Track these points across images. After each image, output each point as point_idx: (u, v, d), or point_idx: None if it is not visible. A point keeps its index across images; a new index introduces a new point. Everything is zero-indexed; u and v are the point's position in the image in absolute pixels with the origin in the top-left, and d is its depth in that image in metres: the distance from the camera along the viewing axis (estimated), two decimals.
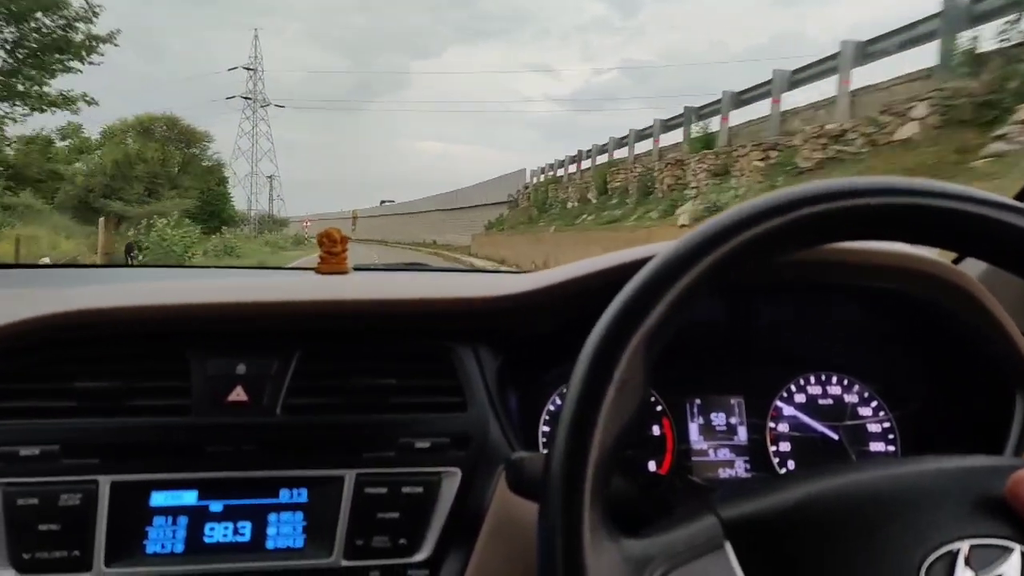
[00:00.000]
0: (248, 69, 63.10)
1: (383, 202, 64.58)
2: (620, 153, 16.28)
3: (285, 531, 0.65)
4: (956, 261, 0.81)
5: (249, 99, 63.74)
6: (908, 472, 0.44)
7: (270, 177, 62.92)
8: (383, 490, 0.65)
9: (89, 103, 18.05)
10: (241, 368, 0.67)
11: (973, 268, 0.83)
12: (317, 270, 0.99)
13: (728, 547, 0.41)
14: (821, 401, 0.85)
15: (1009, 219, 0.43)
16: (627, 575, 0.40)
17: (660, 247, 0.47)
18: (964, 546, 0.39)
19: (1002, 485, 0.41)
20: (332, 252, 0.99)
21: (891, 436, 0.83)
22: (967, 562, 0.39)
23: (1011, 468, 0.41)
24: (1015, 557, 0.39)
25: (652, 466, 0.81)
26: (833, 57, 9.23)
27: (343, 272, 0.99)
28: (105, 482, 0.62)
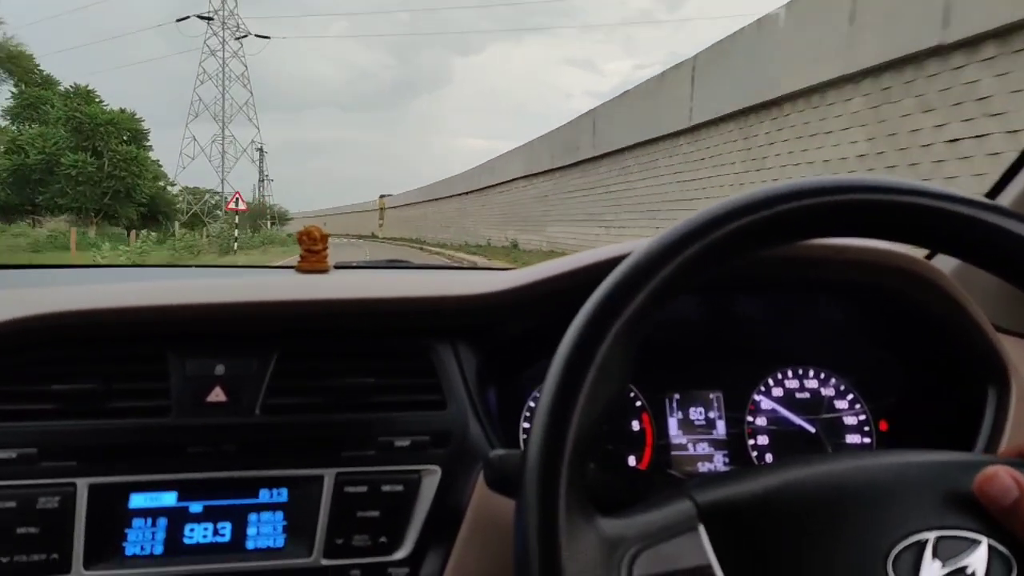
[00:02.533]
0: None
1: (382, 196, 49.13)
2: None
3: (265, 531, 0.65)
4: (929, 257, 0.82)
5: (210, 19, 35.98)
6: (879, 464, 0.45)
7: (259, 149, 36.54)
8: (363, 489, 0.65)
9: None
10: (220, 368, 0.67)
11: (946, 263, 0.84)
12: (297, 268, 0.99)
13: (701, 529, 0.42)
14: (798, 395, 0.86)
15: (980, 216, 0.44)
16: (602, 555, 0.41)
17: (636, 245, 0.48)
18: (931, 537, 0.40)
19: (970, 481, 0.41)
20: (312, 250, 0.99)
21: (867, 429, 0.84)
22: (935, 552, 0.40)
23: (980, 464, 0.42)
24: (982, 549, 0.40)
25: (632, 461, 0.82)
26: None
27: (323, 270, 0.99)
28: (83, 484, 0.62)
